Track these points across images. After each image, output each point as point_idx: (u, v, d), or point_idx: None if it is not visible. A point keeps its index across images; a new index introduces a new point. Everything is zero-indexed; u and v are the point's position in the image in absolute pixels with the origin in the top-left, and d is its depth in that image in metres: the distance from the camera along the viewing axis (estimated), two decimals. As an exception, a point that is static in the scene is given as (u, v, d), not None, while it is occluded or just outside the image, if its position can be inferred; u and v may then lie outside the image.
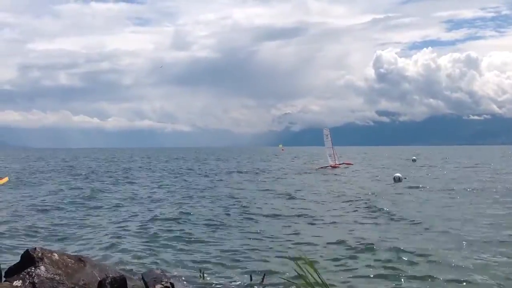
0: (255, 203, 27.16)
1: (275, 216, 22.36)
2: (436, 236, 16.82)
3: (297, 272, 3.13)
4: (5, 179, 43.72)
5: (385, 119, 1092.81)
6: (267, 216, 22.31)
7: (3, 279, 9.75)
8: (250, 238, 17.43)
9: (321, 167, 62.24)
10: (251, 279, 11.94)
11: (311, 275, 3.08)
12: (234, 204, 26.65)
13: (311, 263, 3.08)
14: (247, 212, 23.89)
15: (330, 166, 61.03)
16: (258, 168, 65.84)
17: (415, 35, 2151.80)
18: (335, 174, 52.00)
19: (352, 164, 67.23)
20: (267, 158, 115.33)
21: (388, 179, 41.09)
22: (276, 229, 19.10)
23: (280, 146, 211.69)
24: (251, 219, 21.65)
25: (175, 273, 12.43)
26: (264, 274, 12.11)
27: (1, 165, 79.42)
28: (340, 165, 62.38)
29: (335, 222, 20.23)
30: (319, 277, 3.06)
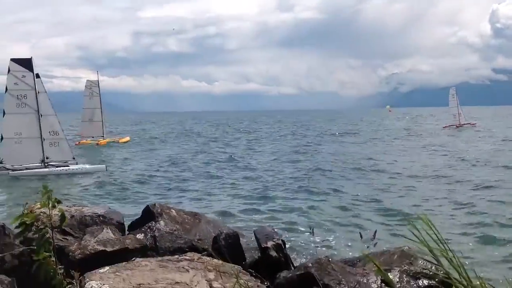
0: (374, 161, 27.03)
1: (394, 173, 22.01)
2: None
3: (412, 232, 2.88)
4: (127, 139, 47.39)
5: (502, 77, 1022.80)
6: (381, 173, 21.92)
7: (127, 232, 10.42)
8: (363, 196, 17.30)
9: (446, 126, 62.60)
10: (361, 237, 11.87)
11: (430, 236, 2.85)
12: (357, 163, 26.74)
13: (431, 223, 2.83)
14: (364, 169, 23.76)
15: (455, 125, 60.96)
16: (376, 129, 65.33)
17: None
18: (458, 133, 51.24)
19: (475, 124, 65.22)
20: (378, 120, 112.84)
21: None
22: (393, 187, 18.81)
23: (388, 107, 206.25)
24: (366, 176, 21.42)
25: (286, 230, 12.65)
26: (376, 231, 12.03)
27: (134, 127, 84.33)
28: (464, 125, 61.57)
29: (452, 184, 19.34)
30: (439, 238, 2.79)
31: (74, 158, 26.20)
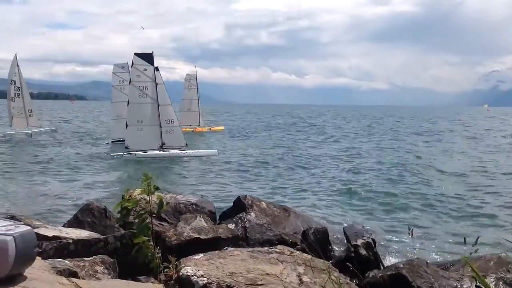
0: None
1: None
2: None
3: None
4: (221, 128, 50.47)
5: None
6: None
7: (217, 221, 10.73)
8: (466, 198, 16.61)
9: None
10: (465, 242, 11.43)
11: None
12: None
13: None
14: (470, 173, 22.76)
15: None
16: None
17: None
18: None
19: None
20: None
21: None
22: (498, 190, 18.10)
23: (485, 106, 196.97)
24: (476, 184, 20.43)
25: (382, 229, 12.42)
26: (478, 237, 11.53)
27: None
28: None
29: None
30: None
31: (186, 145, 28.52)
